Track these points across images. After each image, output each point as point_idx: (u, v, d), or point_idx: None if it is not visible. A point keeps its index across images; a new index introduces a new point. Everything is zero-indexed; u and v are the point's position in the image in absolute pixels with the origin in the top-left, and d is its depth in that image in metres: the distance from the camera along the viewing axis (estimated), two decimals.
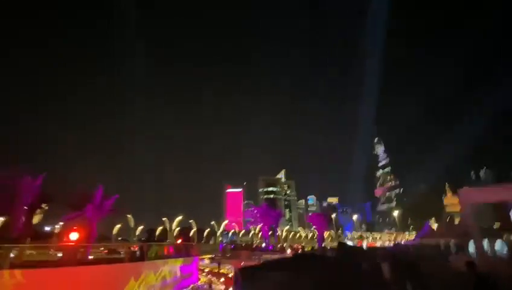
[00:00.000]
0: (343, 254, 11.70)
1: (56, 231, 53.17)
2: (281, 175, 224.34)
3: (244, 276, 8.13)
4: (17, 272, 14.14)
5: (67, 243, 19.64)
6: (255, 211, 74.26)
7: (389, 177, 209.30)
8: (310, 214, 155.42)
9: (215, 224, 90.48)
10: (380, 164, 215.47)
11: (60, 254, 19.70)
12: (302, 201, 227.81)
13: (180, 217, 73.39)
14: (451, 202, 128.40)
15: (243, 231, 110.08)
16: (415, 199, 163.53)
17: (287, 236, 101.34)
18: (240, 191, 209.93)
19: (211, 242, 78.46)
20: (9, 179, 26.34)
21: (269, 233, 61.45)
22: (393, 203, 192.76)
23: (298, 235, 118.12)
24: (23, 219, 27.95)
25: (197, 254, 27.26)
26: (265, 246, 54.64)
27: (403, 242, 67.96)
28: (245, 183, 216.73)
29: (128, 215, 64.52)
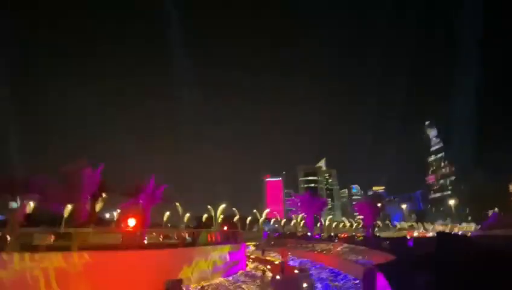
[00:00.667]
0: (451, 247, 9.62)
1: (115, 218, 58.43)
2: (322, 164, 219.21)
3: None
4: (85, 253, 15.43)
5: (126, 229, 21.15)
6: (298, 200, 73.31)
7: (442, 163, 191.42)
8: (354, 203, 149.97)
9: (257, 212, 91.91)
10: (433, 149, 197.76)
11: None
12: (345, 190, 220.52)
13: (223, 205, 75.79)
14: None
15: (285, 220, 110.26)
16: (474, 187, 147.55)
17: (330, 225, 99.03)
18: (279, 180, 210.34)
19: (254, 229, 79.85)
20: (74, 171, 29.14)
21: (313, 222, 60.43)
22: (448, 192, 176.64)
23: (342, 224, 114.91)
24: (87, 207, 30.91)
25: (244, 241, 27.60)
26: (311, 235, 53.87)
27: (460, 233, 61.79)
28: (284, 172, 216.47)
29: (177, 204, 68.23)
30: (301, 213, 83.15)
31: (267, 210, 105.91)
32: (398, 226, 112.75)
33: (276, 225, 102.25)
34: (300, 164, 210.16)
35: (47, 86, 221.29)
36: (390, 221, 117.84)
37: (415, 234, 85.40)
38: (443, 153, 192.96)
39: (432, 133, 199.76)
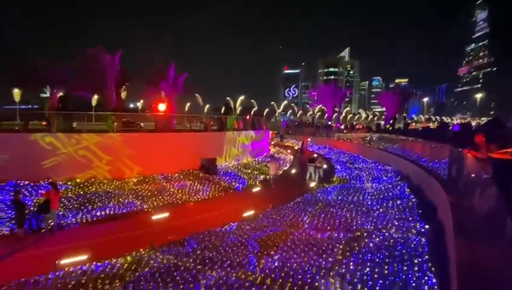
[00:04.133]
0: None
1: (139, 108, 60.95)
2: (345, 54, 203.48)
3: None
4: (122, 134, 16.42)
5: (157, 113, 21.89)
6: (318, 90, 71.70)
7: (482, 52, 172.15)
8: (373, 95, 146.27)
9: (274, 104, 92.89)
10: (476, 35, 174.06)
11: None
12: (366, 83, 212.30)
13: (242, 97, 76.21)
14: None
15: (301, 112, 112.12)
16: (507, 83, 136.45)
17: (346, 117, 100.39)
18: (298, 72, 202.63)
19: (272, 120, 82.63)
20: (94, 58, 28.18)
21: (332, 113, 60.82)
22: (478, 85, 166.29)
23: (357, 116, 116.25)
24: (114, 95, 31.51)
25: (267, 128, 28.60)
26: (330, 124, 55.25)
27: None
28: (303, 64, 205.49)
29: (197, 95, 69.00)
30: (318, 105, 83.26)
31: (285, 102, 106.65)
32: (415, 118, 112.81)
33: (292, 117, 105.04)
34: (321, 56, 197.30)
35: None
36: (407, 113, 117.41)
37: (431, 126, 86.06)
38: (486, 40, 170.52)
39: (481, 15, 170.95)
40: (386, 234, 7.83)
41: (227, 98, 78.57)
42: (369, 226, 8.68)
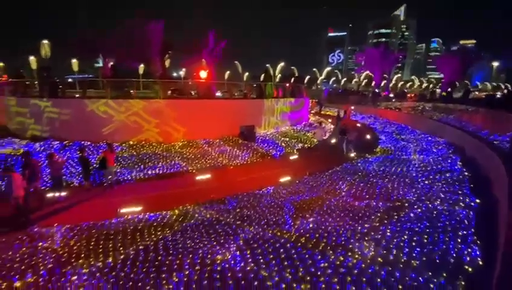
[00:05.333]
0: None
1: (182, 76, 62.88)
2: (400, 12, 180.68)
3: None
4: (168, 101, 17.32)
5: (198, 81, 22.51)
6: (366, 55, 65.81)
7: None
8: (430, 60, 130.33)
9: (316, 71, 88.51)
10: None
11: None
12: (422, 45, 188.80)
13: (282, 64, 73.78)
14: None
15: (345, 79, 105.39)
16: None
17: (396, 84, 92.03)
18: (344, 34, 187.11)
19: (313, 88, 79.52)
20: (138, 27, 29.27)
21: (380, 80, 56.07)
22: None
23: (409, 84, 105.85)
24: (159, 64, 32.84)
25: (307, 96, 27.75)
26: (377, 92, 51.27)
27: None
28: (350, 25, 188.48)
29: (236, 62, 68.63)
30: (365, 71, 77.23)
31: (328, 69, 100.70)
32: (479, 86, 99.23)
33: (335, 85, 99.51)
34: (371, 17, 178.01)
35: None
36: (469, 80, 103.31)
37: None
38: None
39: None
40: (430, 205, 7.49)
41: (267, 65, 76.79)
42: (411, 197, 8.34)
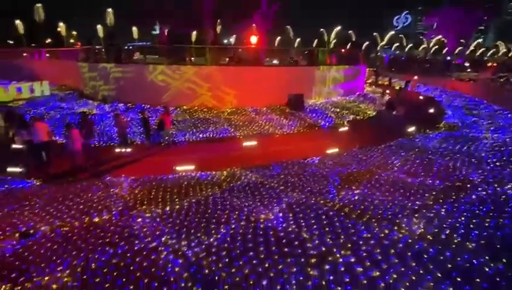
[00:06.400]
0: None
1: (232, 43, 62.55)
2: None
3: None
4: (218, 67, 17.61)
5: (248, 46, 22.26)
6: (440, 16, 56.50)
7: None
8: None
9: (377, 35, 79.77)
10: None
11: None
12: None
13: (338, 28, 68.02)
14: None
15: (411, 45, 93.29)
16: None
17: (474, 51, 78.55)
18: None
19: (372, 55, 72.57)
20: None
21: (455, 46, 48.33)
22: None
23: (492, 51, 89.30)
24: (210, 30, 33.11)
25: (364, 63, 25.56)
26: (449, 60, 44.68)
27: None
28: None
29: (288, 27, 65.35)
30: (436, 36, 67.11)
31: (392, 33, 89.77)
32: None
33: (398, 52, 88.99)
34: None
35: None
36: None
37: None
38: None
39: None
40: (498, 189, 6.67)
41: (321, 30, 71.67)
42: (475, 178, 7.50)
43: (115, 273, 4.06)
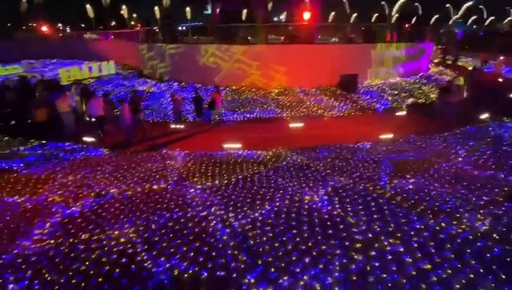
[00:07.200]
0: None
1: (283, 20, 60.58)
2: None
3: None
4: (268, 46, 17.35)
5: (301, 22, 21.32)
6: None
7: None
8: None
9: (450, 7, 69.64)
10: None
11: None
12: None
13: (402, 0, 60.95)
14: None
15: (493, 18, 79.42)
16: None
17: None
18: None
19: (441, 31, 63.98)
20: None
21: None
22: None
23: None
24: (261, 8, 32.48)
25: (430, 40, 22.71)
26: None
27: None
28: None
29: (344, 0, 60.64)
30: None
31: (468, 4, 77.29)
32: None
33: (475, 26, 76.61)
34: None
35: None
36: None
37: None
38: None
39: None
40: None
41: (382, 3, 65.02)
42: None
43: (170, 235, 4.53)
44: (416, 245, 4.22)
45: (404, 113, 13.12)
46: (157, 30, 25.08)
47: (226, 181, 6.54)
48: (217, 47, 16.86)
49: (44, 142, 9.45)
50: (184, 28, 32.33)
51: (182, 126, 11.39)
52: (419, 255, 4.01)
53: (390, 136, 9.83)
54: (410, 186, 6.11)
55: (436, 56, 29.51)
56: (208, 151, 8.55)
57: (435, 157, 7.78)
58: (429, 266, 3.81)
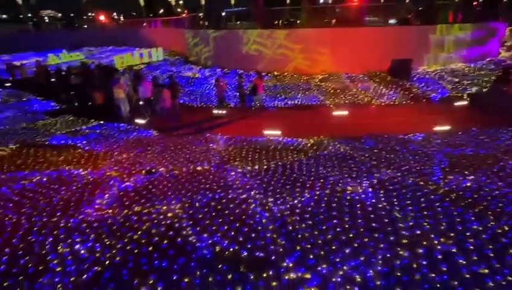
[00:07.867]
0: None
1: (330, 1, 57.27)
2: None
3: None
4: (314, 30, 16.65)
5: (350, 4, 20.02)
6: None
7: None
8: None
9: None
10: None
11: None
12: None
13: None
14: None
15: None
16: None
17: None
18: None
19: None
20: None
21: None
22: None
23: None
24: None
25: (503, 20, 19.73)
26: None
27: None
28: None
29: None
30: None
31: None
32: None
33: None
34: None
35: None
36: None
37: None
38: None
39: None
40: None
41: None
42: None
43: (213, 214, 4.74)
44: (472, 247, 3.84)
45: (465, 103, 11.77)
46: (202, 16, 25.59)
47: (265, 167, 6.59)
48: (259, 33, 16.67)
49: (102, 122, 10.44)
50: (228, 13, 32.46)
51: (224, 111, 11.66)
52: (476, 258, 3.65)
53: (447, 128, 8.93)
54: (468, 184, 5.52)
55: (510, 38, 25.65)
56: (248, 137, 8.66)
57: (501, 153, 6.90)
58: (486, 271, 3.46)
